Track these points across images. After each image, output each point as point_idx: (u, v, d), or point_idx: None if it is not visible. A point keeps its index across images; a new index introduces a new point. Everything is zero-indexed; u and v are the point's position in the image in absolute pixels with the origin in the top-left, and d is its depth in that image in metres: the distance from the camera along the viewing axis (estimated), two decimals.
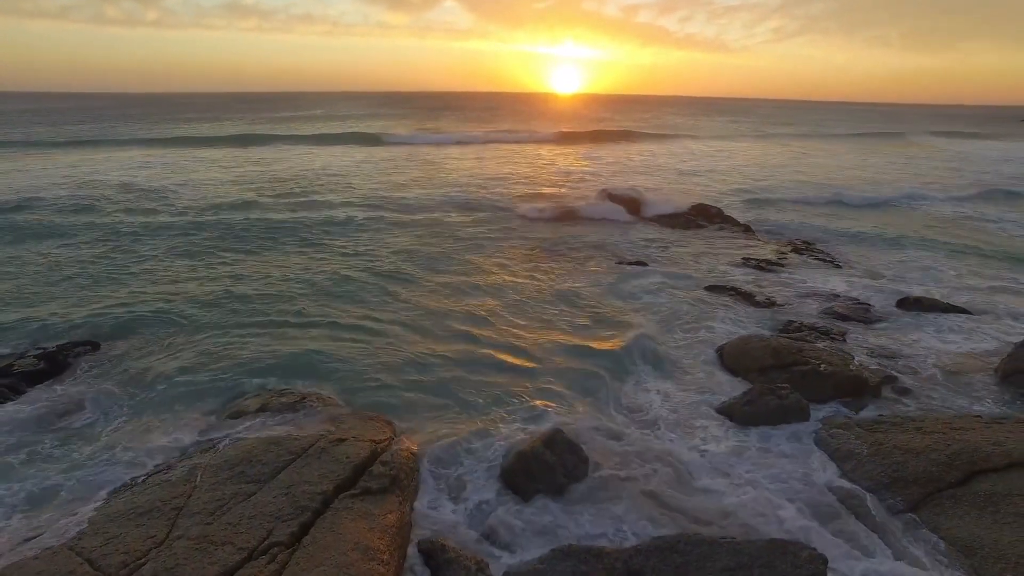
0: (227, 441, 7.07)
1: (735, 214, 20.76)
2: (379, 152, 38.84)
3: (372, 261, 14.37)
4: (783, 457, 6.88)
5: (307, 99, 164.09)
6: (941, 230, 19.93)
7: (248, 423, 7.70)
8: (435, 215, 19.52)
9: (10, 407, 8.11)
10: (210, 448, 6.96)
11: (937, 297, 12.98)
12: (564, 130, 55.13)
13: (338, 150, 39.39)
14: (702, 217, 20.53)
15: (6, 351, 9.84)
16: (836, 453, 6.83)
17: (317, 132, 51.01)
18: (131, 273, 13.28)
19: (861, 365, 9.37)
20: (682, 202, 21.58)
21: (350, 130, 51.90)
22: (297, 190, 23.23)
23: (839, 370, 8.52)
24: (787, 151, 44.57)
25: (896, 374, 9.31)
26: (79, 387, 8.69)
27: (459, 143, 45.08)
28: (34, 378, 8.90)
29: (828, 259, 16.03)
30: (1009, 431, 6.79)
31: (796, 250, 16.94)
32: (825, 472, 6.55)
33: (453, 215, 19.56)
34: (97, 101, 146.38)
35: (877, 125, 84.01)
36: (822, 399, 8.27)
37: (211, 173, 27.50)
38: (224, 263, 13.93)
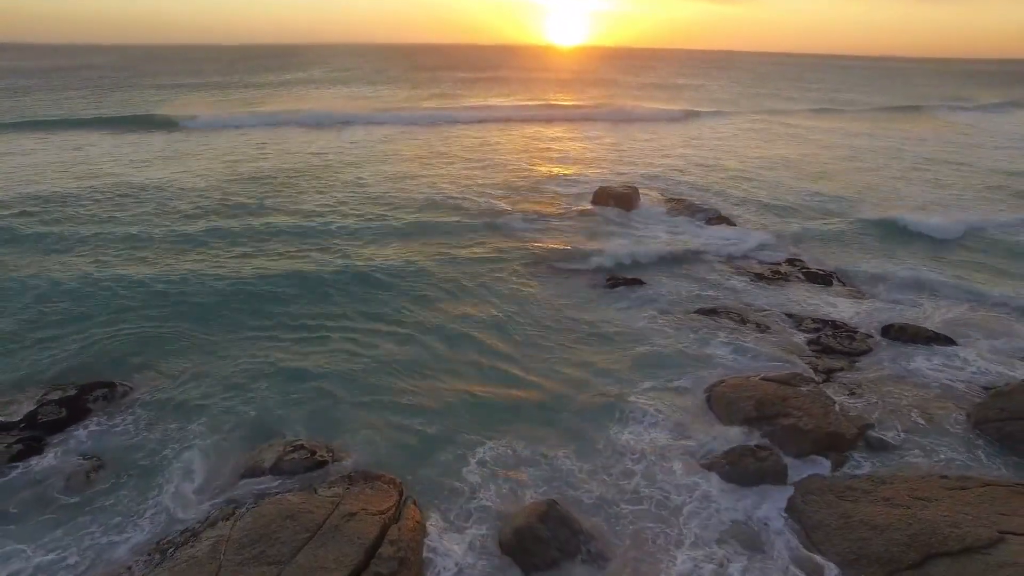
0: (245, 507, 7.65)
1: (745, 221, 20.80)
2: (376, 131, 38.32)
3: (366, 297, 14.22)
4: (758, 526, 7.46)
5: (304, 54, 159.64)
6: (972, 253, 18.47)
7: (264, 483, 8.28)
8: (424, 236, 18.37)
9: (38, 462, 8.67)
10: (231, 514, 7.54)
11: (925, 323, 13.37)
12: (556, 103, 53.70)
13: (332, 134, 38.86)
14: (699, 216, 20.76)
15: (25, 386, 10.39)
16: (808, 522, 7.41)
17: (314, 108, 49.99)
18: (134, 303, 13.39)
19: (841, 411, 9.87)
20: (679, 204, 21.76)
21: (351, 110, 50.79)
22: (285, 197, 22.48)
23: (818, 425, 9.03)
24: (810, 135, 40.70)
25: (873, 420, 9.84)
26: (100, 438, 9.23)
27: (477, 122, 43.05)
28: (57, 426, 9.44)
29: (822, 273, 16.32)
30: (968, 503, 7.36)
31: (791, 261, 17.22)
32: (797, 543, 7.14)
33: (440, 230, 18.83)
34: (53, 58, 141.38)
35: (906, 91, 78.05)
36: (801, 453, 8.83)
37: (202, 167, 27.31)
38: (221, 300, 13.88)
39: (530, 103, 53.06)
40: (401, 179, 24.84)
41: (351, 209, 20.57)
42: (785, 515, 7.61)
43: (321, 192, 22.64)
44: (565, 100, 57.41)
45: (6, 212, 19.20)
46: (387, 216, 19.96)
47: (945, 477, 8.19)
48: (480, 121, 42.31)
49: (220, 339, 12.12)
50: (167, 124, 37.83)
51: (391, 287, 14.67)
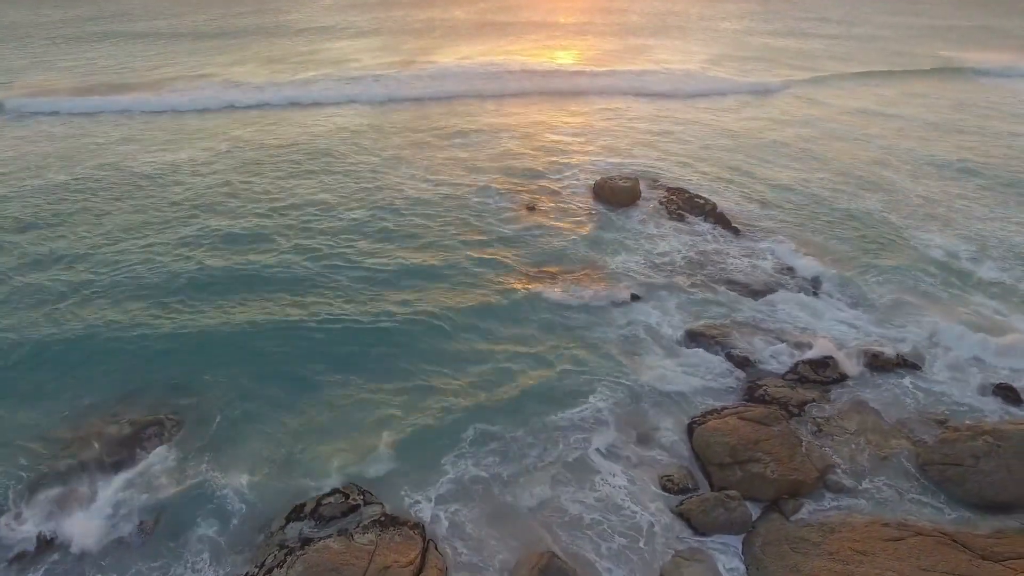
0: (295, 554, 9.13)
1: (753, 226, 21.41)
2: (383, 113, 37.57)
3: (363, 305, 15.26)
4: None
5: None
6: None
7: (307, 527, 9.76)
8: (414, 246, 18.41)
9: (113, 505, 10.14)
10: (283, 561, 9.05)
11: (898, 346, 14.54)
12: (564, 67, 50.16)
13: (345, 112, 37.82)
14: (695, 211, 21.34)
15: (79, 422, 11.74)
16: (764, 573, 8.91)
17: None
18: (172, 340, 14.22)
19: (807, 451, 11.25)
20: (680, 197, 22.30)
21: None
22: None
23: (783, 473, 10.42)
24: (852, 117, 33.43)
25: (834, 461, 11.21)
26: (161, 478, 10.67)
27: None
28: (122, 467, 10.87)
29: (812, 290, 17.16)
30: (898, 557, 8.85)
31: (786, 271, 18.04)
32: None
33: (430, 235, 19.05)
34: None
35: (944, 33, 69.14)
36: (765, 498, 10.28)
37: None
38: (229, 329, 14.74)
39: (536, 67, 45.02)
40: (389, 174, 25.16)
41: (333, 213, 21.24)
42: (744, 565, 9.12)
43: (329, 185, 23.19)
44: (571, 60, 53.18)
45: None
46: (369, 222, 20.00)
47: (886, 525, 9.65)
48: (457, 97, 37.55)
49: (239, 374, 13.22)
50: None
51: (382, 296, 15.72)
